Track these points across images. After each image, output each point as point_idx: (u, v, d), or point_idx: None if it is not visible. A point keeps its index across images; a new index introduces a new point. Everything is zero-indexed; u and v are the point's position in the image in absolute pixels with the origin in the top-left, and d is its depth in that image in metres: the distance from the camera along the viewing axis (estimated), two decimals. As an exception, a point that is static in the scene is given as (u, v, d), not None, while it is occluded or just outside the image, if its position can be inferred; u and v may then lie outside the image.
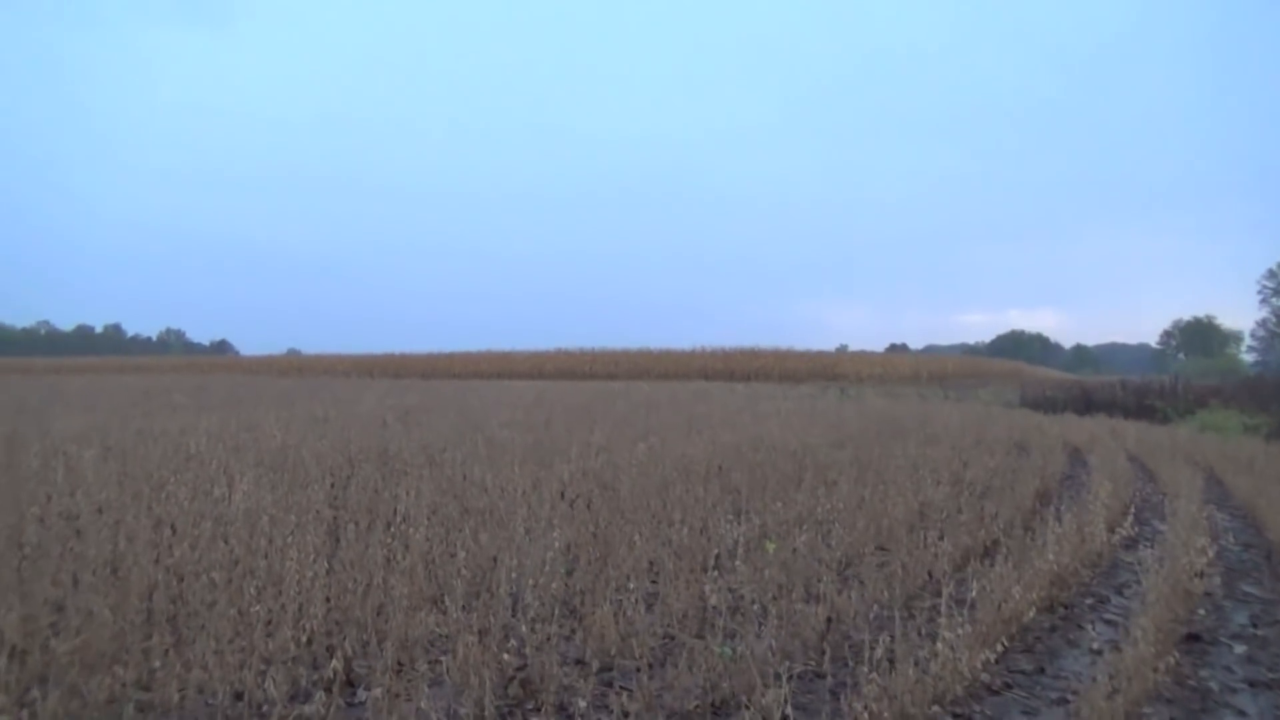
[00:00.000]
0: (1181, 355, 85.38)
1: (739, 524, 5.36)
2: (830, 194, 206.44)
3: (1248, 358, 75.79)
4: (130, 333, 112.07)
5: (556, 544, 4.16)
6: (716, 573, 4.12)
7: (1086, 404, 20.69)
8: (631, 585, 3.81)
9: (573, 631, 3.67)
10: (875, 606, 4.01)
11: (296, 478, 6.50)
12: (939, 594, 4.52)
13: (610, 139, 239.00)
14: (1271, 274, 69.14)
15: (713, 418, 13.32)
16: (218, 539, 4.40)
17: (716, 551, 4.25)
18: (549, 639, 3.45)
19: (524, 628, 3.51)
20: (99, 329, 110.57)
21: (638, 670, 3.35)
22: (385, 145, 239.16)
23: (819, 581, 4.01)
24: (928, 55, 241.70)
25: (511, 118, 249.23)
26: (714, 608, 3.98)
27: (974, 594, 3.75)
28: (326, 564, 4.06)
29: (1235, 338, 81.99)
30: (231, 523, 4.90)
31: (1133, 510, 6.09)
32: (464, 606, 3.72)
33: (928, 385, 39.45)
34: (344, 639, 3.43)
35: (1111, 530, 5.67)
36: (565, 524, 4.94)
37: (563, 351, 52.36)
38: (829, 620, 3.72)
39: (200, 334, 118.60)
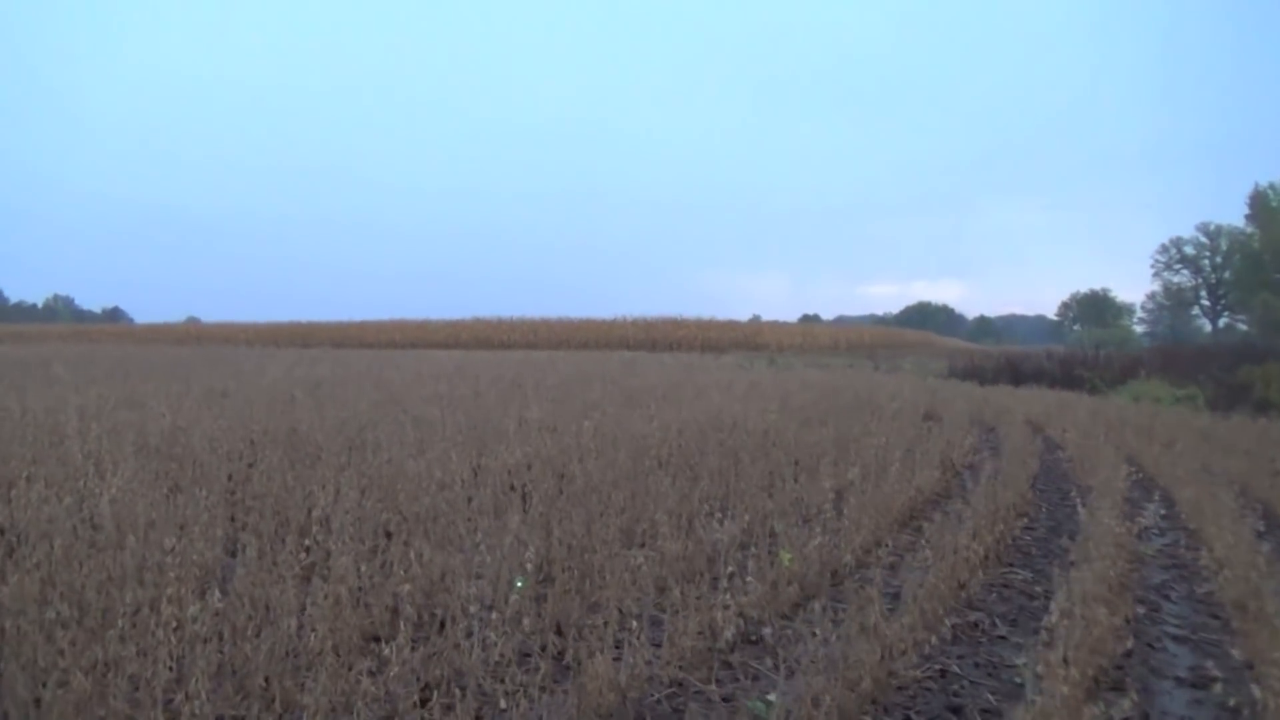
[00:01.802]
0: (1077, 327, 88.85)
1: (727, 522, 4.55)
2: (739, 165, 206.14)
3: (1138, 329, 79.88)
4: (13, 299, 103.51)
5: (529, 564, 3.24)
6: (728, 595, 3.30)
7: (1016, 375, 20.73)
8: (634, 624, 2.93)
9: (557, 684, 2.79)
10: (930, 635, 3.24)
11: (186, 470, 5.37)
12: (975, 607, 3.87)
13: (518, 101, 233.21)
14: (1164, 249, 72.51)
15: (653, 391, 12.49)
16: (73, 560, 3.34)
17: (731, 569, 3.40)
18: (531, 699, 2.58)
19: (496, 685, 2.62)
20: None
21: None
22: (288, 102, 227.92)
23: (871, 607, 3.19)
24: (832, 28, 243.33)
25: (415, 82, 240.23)
26: (729, 642, 3.17)
27: (1055, 618, 3.00)
28: (219, 594, 3.06)
29: (1128, 310, 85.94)
30: (96, 533, 3.83)
31: (1157, 498, 5.55)
32: (411, 647, 2.79)
33: (849, 355, 39.66)
34: (242, 711, 2.48)
35: (1130, 521, 5.09)
36: (527, 529, 4.02)
37: (480, 320, 50.75)
38: (881, 657, 2.94)
39: (91, 300, 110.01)
